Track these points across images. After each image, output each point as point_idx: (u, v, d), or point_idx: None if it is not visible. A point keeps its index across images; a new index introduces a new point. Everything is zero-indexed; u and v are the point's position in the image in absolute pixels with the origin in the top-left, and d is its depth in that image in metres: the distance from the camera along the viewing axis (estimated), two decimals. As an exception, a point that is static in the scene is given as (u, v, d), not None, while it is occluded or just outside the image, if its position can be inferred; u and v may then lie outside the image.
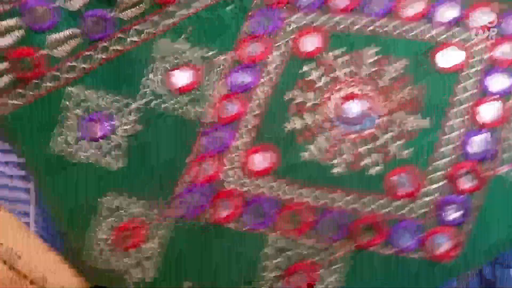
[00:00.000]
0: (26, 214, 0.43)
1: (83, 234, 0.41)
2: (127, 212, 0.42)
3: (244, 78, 0.44)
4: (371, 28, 0.45)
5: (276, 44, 0.45)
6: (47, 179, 0.43)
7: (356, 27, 0.45)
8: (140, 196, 0.42)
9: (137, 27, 0.44)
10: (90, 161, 0.42)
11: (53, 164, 0.43)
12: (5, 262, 0.43)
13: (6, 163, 0.44)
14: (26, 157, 0.43)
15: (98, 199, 0.42)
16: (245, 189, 0.42)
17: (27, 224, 0.43)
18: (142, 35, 0.44)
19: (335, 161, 0.42)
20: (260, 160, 0.43)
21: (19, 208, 0.43)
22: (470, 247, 0.40)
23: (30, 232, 0.45)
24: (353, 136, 0.43)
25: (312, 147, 0.42)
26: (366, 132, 0.43)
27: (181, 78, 0.44)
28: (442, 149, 0.42)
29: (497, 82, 0.44)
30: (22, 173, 0.44)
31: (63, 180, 0.42)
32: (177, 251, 0.41)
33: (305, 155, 0.42)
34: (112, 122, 0.43)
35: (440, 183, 0.41)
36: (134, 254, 0.41)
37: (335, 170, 0.42)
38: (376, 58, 0.45)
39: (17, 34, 0.44)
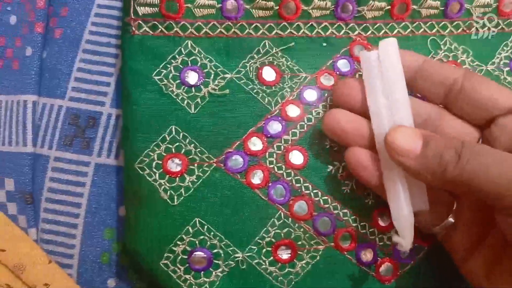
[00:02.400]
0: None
1: None
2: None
3: (310, 96, 0.57)
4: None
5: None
6: None
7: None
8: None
9: (259, 24, 0.57)
10: None
11: None
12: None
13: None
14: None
15: None
16: (276, 170, 0.55)
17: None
18: (258, 32, 0.57)
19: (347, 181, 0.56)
20: (297, 157, 0.56)
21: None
22: (400, 281, 0.55)
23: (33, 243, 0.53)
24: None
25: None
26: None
27: (269, 75, 0.57)
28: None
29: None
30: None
31: None
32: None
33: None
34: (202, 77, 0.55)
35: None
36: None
37: (344, 188, 0.56)
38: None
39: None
